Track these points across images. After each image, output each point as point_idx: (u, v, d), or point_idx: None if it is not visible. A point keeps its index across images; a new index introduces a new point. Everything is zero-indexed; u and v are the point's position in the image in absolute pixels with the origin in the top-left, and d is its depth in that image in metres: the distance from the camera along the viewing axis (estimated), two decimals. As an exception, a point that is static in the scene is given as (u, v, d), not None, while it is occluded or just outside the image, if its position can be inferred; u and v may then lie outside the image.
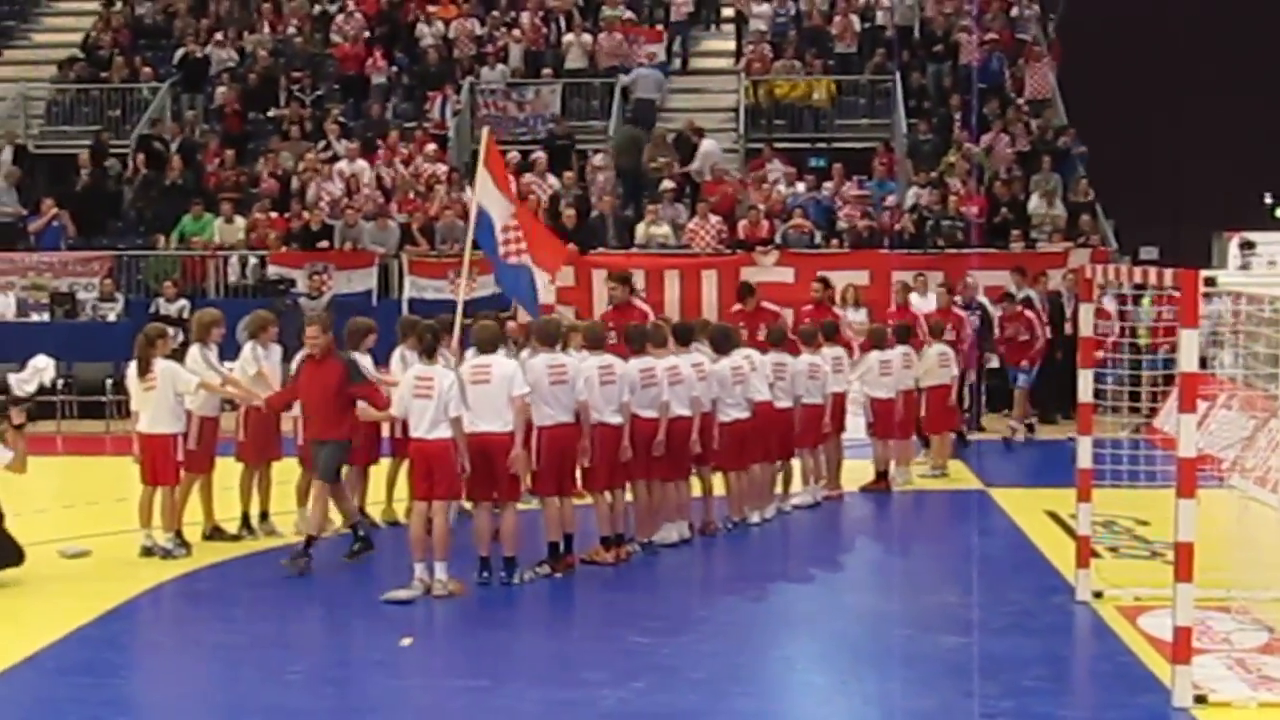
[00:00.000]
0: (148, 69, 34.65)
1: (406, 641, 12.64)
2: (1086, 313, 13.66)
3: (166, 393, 15.27)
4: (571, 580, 14.66)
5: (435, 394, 13.70)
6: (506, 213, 17.50)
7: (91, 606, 13.43)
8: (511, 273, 17.58)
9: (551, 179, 29.92)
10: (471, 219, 17.65)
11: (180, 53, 34.90)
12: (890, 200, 28.97)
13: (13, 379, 16.52)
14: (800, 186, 29.75)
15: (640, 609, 13.80)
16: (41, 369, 15.70)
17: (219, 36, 35.18)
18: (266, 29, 35.47)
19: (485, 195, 17.43)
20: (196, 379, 15.53)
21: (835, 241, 28.29)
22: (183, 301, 27.07)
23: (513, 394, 13.89)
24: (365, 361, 15.74)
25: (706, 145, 30.96)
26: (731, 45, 35.76)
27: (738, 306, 21.41)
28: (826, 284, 22.92)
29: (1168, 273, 11.51)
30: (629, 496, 15.67)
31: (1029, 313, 24.20)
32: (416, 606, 13.52)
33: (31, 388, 14.79)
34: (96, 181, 31.31)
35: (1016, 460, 22.85)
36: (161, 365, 15.39)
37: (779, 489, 18.23)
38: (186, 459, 15.59)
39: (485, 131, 18.39)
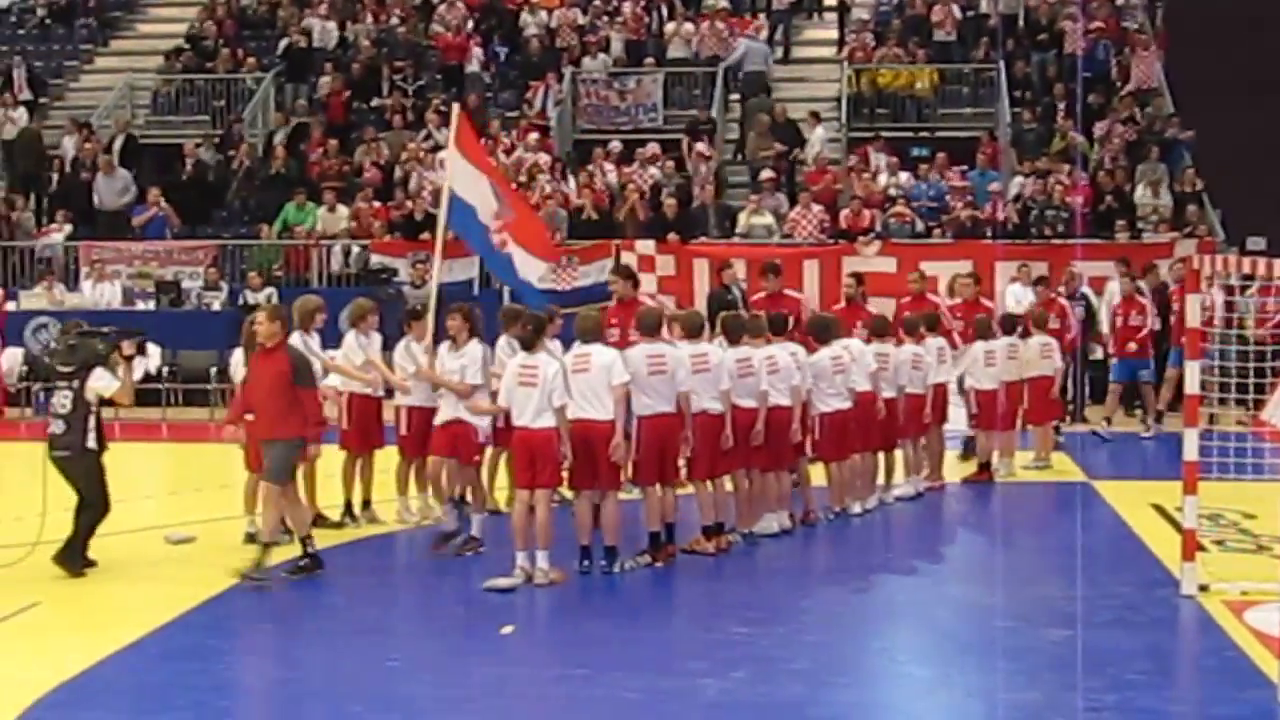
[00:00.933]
0: (252, 59, 34.91)
1: (508, 630, 12.67)
2: (1193, 304, 13.51)
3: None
4: (672, 570, 14.65)
5: (540, 382, 13.72)
6: (490, 196, 16.66)
7: (196, 592, 13.54)
8: (504, 261, 17.03)
9: (653, 169, 29.91)
10: (443, 203, 16.61)
11: (284, 43, 35.13)
12: (993, 189, 28.73)
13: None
14: (903, 176, 29.61)
15: (741, 599, 13.76)
16: (147, 357, 15.83)
17: (323, 13, 35.42)
18: (369, 18, 35.63)
19: (458, 179, 16.50)
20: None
21: (938, 231, 28.15)
22: (269, 290, 27.21)
23: (612, 382, 13.89)
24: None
25: (819, 133, 30.89)
26: (834, 34, 35.63)
27: (761, 290, 20.58)
28: (924, 275, 22.69)
29: (1277, 263, 11.36)
30: (729, 486, 15.65)
31: (1140, 298, 23.97)
32: (518, 595, 13.55)
33: (137, 375, 14.90)
34: (201, 171, 31.57)
35: (1121, 453, 22.64)
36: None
37: (880, 480, 18.15)
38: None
39: (455, 110, 17.21)
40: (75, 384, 14.36)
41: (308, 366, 14.20)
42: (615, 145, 30.92)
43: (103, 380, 14.40)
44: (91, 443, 14.41)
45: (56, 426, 14.40)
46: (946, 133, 32.12)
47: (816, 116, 31.47)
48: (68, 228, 30.29)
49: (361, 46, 34.49)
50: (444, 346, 15.13)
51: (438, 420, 15.22)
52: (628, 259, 27.17)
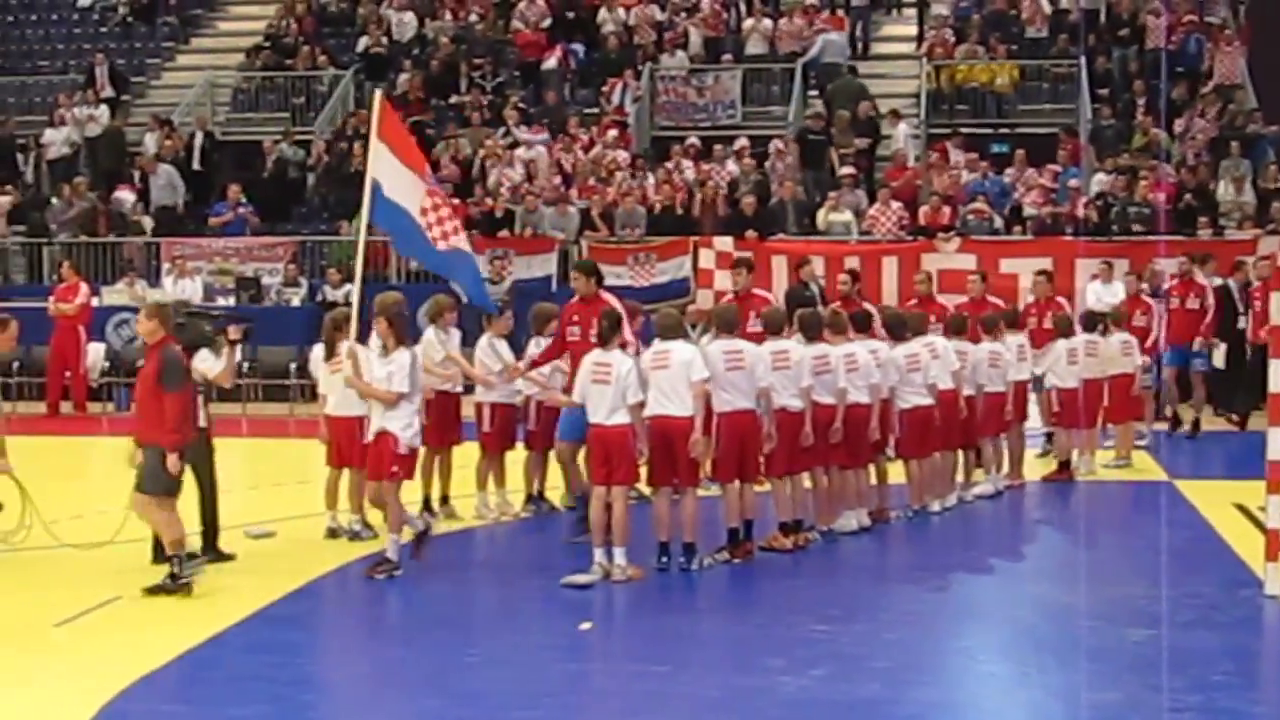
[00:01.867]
0: (323, 56, 35.05)
1: (586, 626, 12.67)
2: (1277, 301, 13.37)
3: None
4: (750, 567, 14.60)
5: (613, 379, 13.72)
6: (419, 191, 15.31)
7: (276, 587, 13.60)
8: (445, 259, 15.59)
9: (730, 165, 29.88)
10: (366, 197, 15.21)
11: (363, 40, 35.27)
12: (1073, 185, 28.53)
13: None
14: (982, 173, 29.45)
15: (819, 597, 13.72)
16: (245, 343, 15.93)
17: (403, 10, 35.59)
18: (448, 15, 35.72)
19: (381, 170, 15.13)
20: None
21: (1018, 228, 27.99)
22: (349, 287, 27.27)
23: (692, 379, 13.86)
24: (453, 340, 16.10)
25: (902, 129, 30.81)
26: (913, 30, 35.48)
27: (732, 289, 18.95)
28: (930, 277, 21.81)
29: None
30: (807, 483, 15.61)
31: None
32: (596, 591, 13.54)
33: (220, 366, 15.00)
34: (280, 168, 31.74)
35: (1203, 451, 22.46)
36: (346, 348, 15.53)
37: (960, 478, 18.07)
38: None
39: (377, 95, 15.94)
40: None
41: (177, 369, 13.36)
42: (693, 141, 30.89)
43: (206, 361, 14.58)
44: (202, 421, 14.55)
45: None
46: (1026, 129, 31.93)
47: (896, 114, 31.35)
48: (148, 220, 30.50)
49: (440, 43, 34.57)
50: (374, 353, 14.35)
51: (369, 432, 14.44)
52: (705, 256, 27.21)
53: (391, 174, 15.12)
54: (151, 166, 31.48)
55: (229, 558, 14.66)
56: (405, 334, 14.27)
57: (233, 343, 14.73)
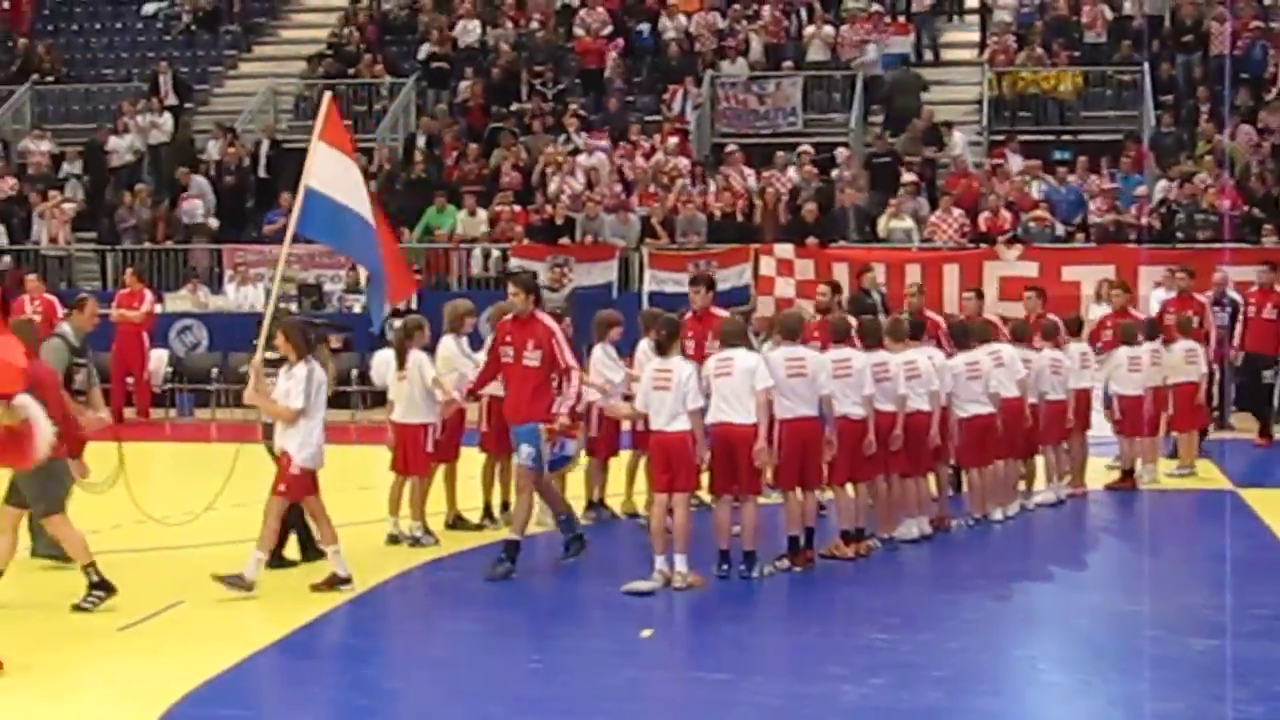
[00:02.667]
0: (385, 64, 35.17)
1: (647, 633, 12.67)
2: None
3: (418, 383, 15.46)
4: (811, 575, 14.58)
5: (674, 386, 13.72)
6: (365, 201, 14.66)
7: (337, 593, 13.64)
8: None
9: (791, 172, 29.84)
10: (297, 203, 14.58)
11: (425, 48, 35.37)
12: (1140, 192, 28.37)
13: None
14: (1045, 180, 29.33)
15: (880, 605, 13.68)
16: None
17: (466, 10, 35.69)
18: (509, 23, 35.79)
19: (324, 172, 14.49)
20: (432, 373, 15.66)
21: (1080, 236, 27.86)
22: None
23: (756, 387, 13.84)
24: (464, 346, 16.08)
25: (958, 137, 30.75)
26: (976, 36, 35.37)
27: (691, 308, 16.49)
28: (923, 289, 21.22)
29: None
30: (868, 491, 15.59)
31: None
32: (656, 598, 13.54)
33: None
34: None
35: (1268, 460, 22.30)
36: (414, 356, 15.61)
37: (1022, 486, 17.99)
38: (435, 448, 15.79)
39: (326, 98, 15.30)
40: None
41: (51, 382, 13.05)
42: (732, 148, 30.80)
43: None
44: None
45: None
46: (1089, 136, 31.80)
47: (950, 125, 31.27)
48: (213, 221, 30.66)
49: (501, 51, 34.65)
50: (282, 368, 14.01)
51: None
52: (766, 263, 27.18)
53: (338, 174, 14.53)
54: (186, 178, 31.64)
55: (323, 555, 14.66)
56: (306, 348, 13.78)
57: (334, 351, 14.78)
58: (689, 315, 15.82)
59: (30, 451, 11.48)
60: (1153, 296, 24.90)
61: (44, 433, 11.51)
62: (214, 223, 31.07)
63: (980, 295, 20.68)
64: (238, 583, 13.37)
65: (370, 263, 15.27)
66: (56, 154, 33.84)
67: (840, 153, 30.29)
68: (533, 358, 14.20)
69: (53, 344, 14.44)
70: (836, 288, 20.33)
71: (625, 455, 16.93)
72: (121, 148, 33.54)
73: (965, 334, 17.12)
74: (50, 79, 36.67)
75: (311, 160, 14.37)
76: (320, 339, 14.92)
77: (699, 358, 14.83)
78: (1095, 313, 23.33)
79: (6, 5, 39.60)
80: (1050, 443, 18.31)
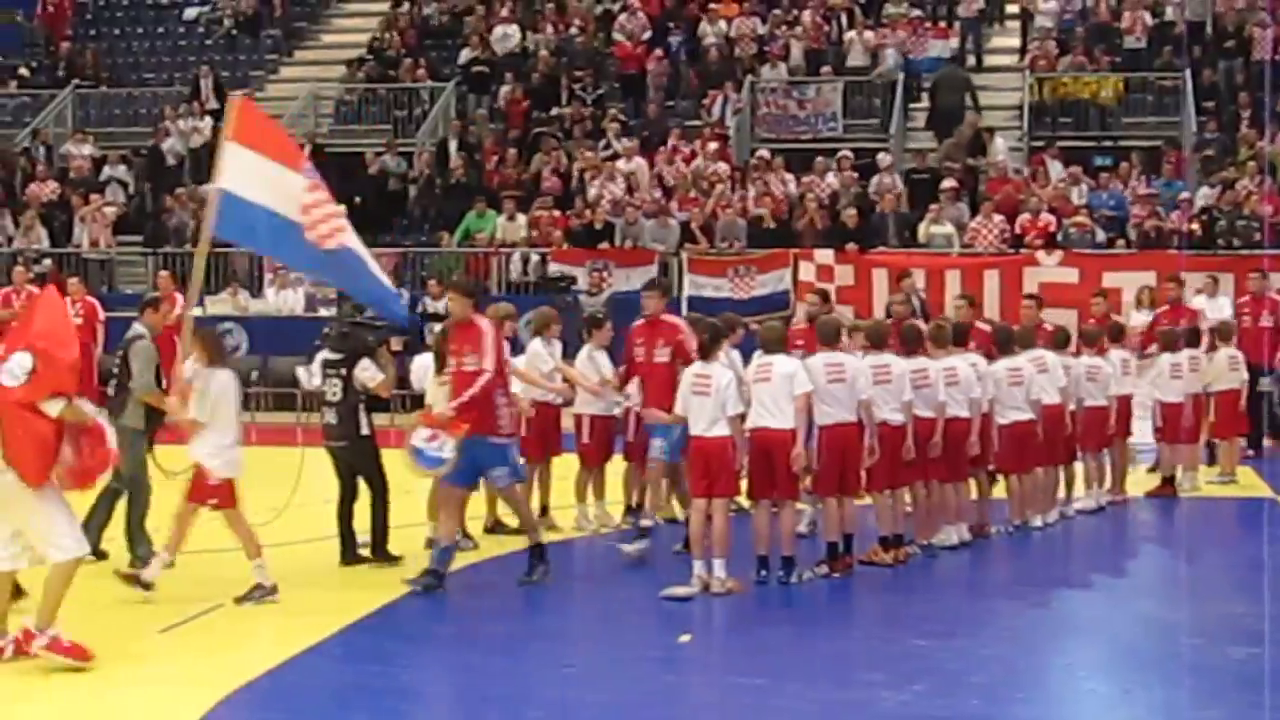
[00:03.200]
0: (426, 69, 35.23)
1: (685, 638, 12.68)
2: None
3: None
4: (850, 581, 14.56)
5: (713, 391, 13.71)
6: (297, 187, 13.80)
7: (377, 596, 13.67)
8: (329, 259, 13.94)
9: (830, 178, 29.80)
10: (210, 207, 13.87)
11: (465, 53, 35.43)
12: (1183, 198, 28.24)
13: (301, 373, 16.96)
14: (1085, 186, 29.23)
15: (919, 611, 13.67)
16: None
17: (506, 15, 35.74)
18: (549, 29, 35.82)
19: (236, 174, 13.66)
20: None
21: (1121, 242, 27.75)
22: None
23: (795, 393, 13.82)
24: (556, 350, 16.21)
25: (999, 143, 30.68)
26: (1016, 42, 35.27)
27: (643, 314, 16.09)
28: (971, 302, 20.04)
29: None
30: (907, 498, 15.55)
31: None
32: (695, 603, 13.53)
33: (319, 381, 15.11)
34: (382, 180, 31.92)
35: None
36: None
37: (1061, 493, 17.94)
38: None
39: (235, 99, 14.64)
40: (343, 372, 14.72)
41: None
42: (763, 154, 30.76)
43: (368, 371, 14.73)
44: (365, 429, 14.80)
45: (330, 417, 14.79)
46: (1130, 142, 31.66)
47: (991, 132, 31.18)
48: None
49: (541, 56, 34.68)
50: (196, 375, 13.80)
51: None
52: (805, 268, 27.16)
53: (253, 175, 13.70)
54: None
55: (397, 559, 14.92)
56: (217, 356, 13.67)
57: (394, 354, 14.87)
58: (639, 321, 15.67)
59: (105, 456, 11.55)
60: (1194, 304, 24.78)
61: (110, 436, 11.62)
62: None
63: (973, 303, 20.02)
64: (134, 582, 13.42)
65: (306, 262, 14.95)
66: (98, 158, 33.97)
67: (883, 159, 30.13)
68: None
69: (143, 345, 14.55)
70: (825, 296, 20.17)
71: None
72: (163, 151, 33.64)
73: (1008, 340, 17.08)
74: (92, 83, 36.83)
75: (221, 161, 13.74)
76: (381, 342, 14.98)
77: (647, 364, 15.05)
78: (1137, 319, 23.25)
79: (47, 9, 39.68)
80: (1090, 449, 18.25)
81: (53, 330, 11.46)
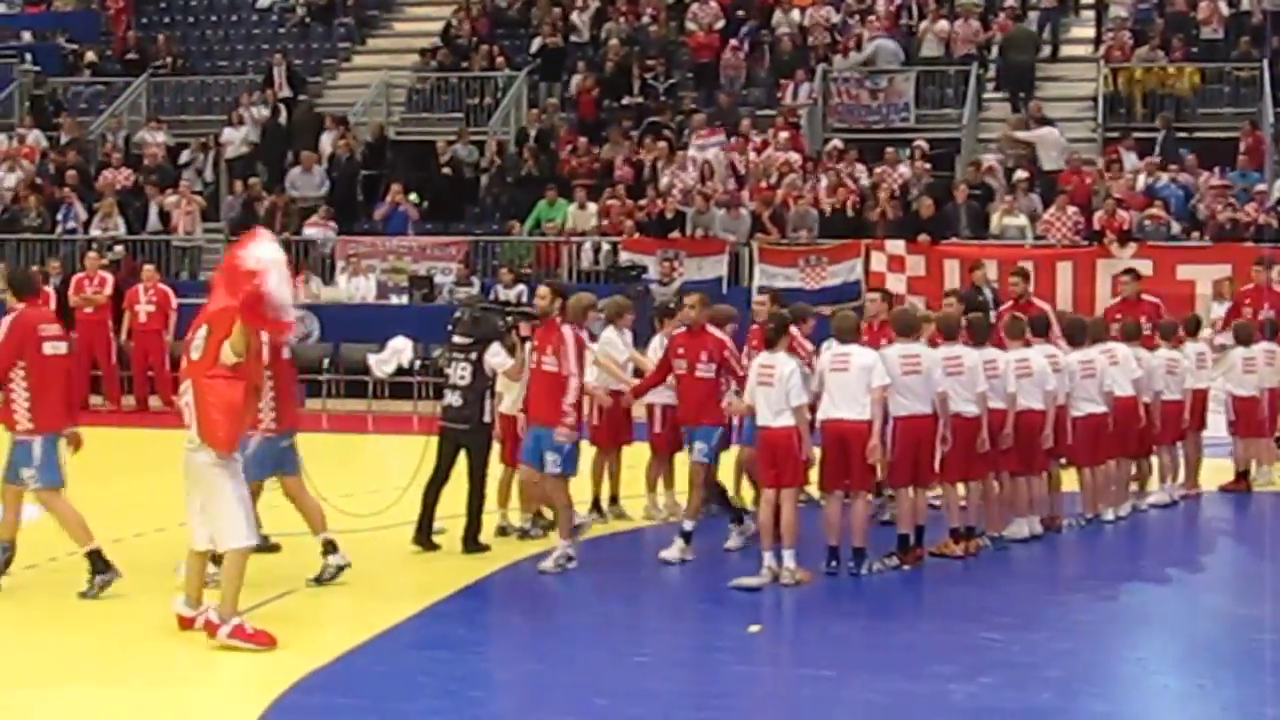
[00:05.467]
0: (499, 57, 35.26)
1: (755, 629, 12.66)
2: None
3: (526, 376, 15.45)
4: (920, 573, 14.50)
5: (777, 381, 13.67)
6: None
7: (446, 583, 13.71)
8: None
9: (903, 168, 29.67)
10: None
11: (538, 42, 35.47)
12: (1259, 189, 27.99)
13: (372, 359, 17.01)
14: (1160, 177, 29.01)
15: (989, 604, 13.59)
16: (400, 350, 16.05)
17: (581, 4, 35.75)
18: (621, 18, 35.79)
19: None
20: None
21: (1196, 234, 27.54)
22: (520, 287, 27.36)
23: (872, 385, 13.78)
24: (626, 338, 16.08)
25: (1042, 132, 30.44)
26: (1091, 32, 35.00)
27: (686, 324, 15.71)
28: (1026, 277, 19.90)
29: None
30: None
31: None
32: (764, 594, 13.50)
33: (390, 368, 15.18)
34: (454, 168, 31.99)
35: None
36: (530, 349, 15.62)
37: (1134, 486, 17.82)
38: None
39: None
40: (473, 356, 14.77)
41: None
42: (836, 144, 30.67)
43: (498, 356, 14.77)
44: (487, 416, 14.85)
45: (454, 399, 14.80)
46: (1206, 133, 31.40)
47: (1045, 120, 30.95)
48: (333, 224, 30.78)
49: (613, 45, 34.65)
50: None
51: None
52: (877, 259, 27.07)
53: None
54: (309, 164, 31.94)
55: (486, 549, 15.02)
56: None
57: (523, 339, 14.93)
58: (681, 330, 15.41)
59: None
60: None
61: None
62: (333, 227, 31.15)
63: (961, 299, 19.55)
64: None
65: None
66: (172, 145, 34.16)
67: (987, 159, 29.94)
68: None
69: None
70: (886, 296, 19.41)
71: (734, 450, 16.85)
72: (236, 139, 33.82)
73: (1080, 332, 16.97)
74: (166, 71, 37.03)
75: None
76: (511, 327, 15.01)
77: (689, 377, 14.92)
78: (1216, 311, 23.06)
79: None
80: (1165, 443, 18.13)
81: (220, 296, 11.66)
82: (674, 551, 14.68)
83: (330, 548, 13.57)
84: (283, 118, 34.28)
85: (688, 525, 14.80)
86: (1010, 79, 32.76)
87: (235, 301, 11.43)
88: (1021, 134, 30.01)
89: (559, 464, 14.29)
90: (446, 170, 31.87)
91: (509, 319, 15.18)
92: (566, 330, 14.32)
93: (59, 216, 31.59)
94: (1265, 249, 25.55)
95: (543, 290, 14.79)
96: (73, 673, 11.14)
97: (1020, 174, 28.94)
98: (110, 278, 27.30)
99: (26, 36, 39.87)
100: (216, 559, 12.11)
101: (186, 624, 11.86)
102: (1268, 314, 21.35)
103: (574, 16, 35.77)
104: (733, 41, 34.28)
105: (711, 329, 14.86)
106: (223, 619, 11.56)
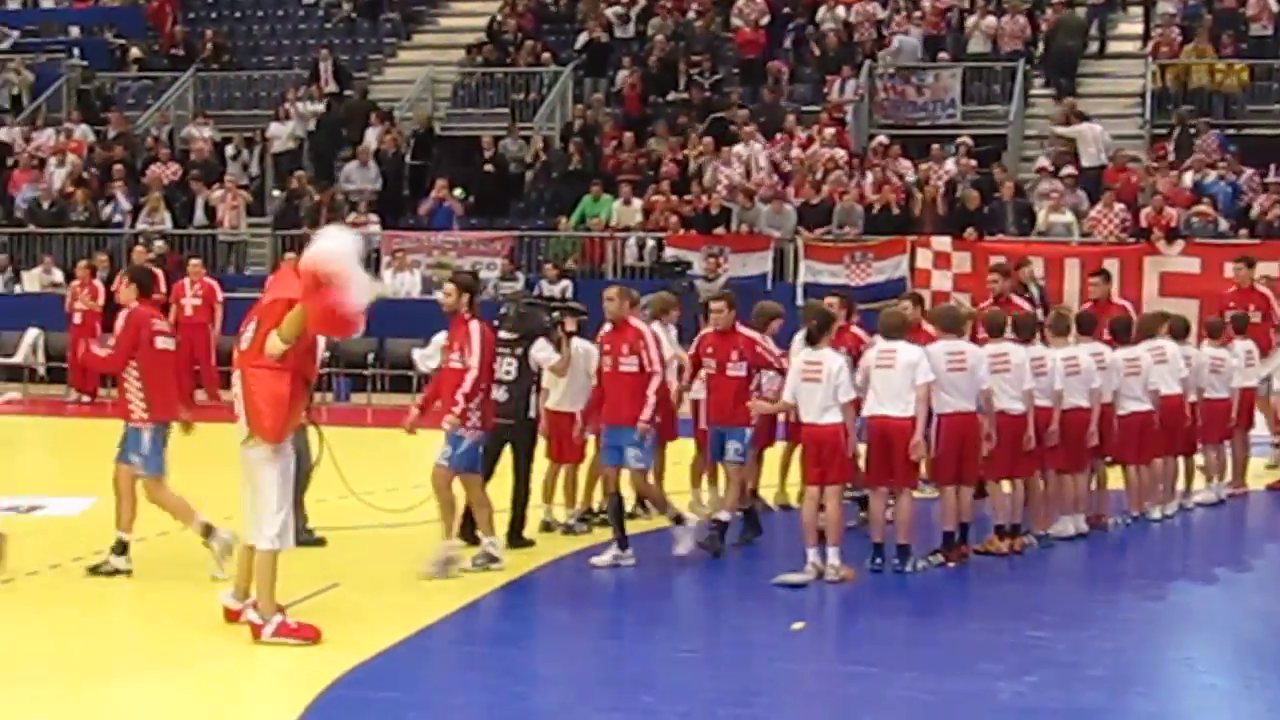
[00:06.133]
0: (545, 53, 35.28)
1: (799, 625, 12.64)
2: None
3: (576, 371, 15.43)
4: (965, 570, 14.46)
5: (824, 378, 13.64)
6: None
7: (492, 578, 13.72)
8: None
9: (949, 164, 29.58)
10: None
11: (583, 37, 35.48)
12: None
13: (417, 354, 17.02)
14: (1209, 174, 28.85)
15: (1035, 602, 13.56)
16: (445, 345, 16.00)
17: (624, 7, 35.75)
18: (667, 14, 35.74)
19: None
20: (595, 363, 15.65)
21: (1245, 231, 27.39)
22: (565, 282, 27.38)
23: (917, 381, 13.74)
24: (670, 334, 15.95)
25: (1082, 127, 30.29)
26: (1139, 29, 34.84)
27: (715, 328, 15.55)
28: (919, 300, 18.52)
29: None
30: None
31: None
32: (808, 591, 13.48)
33: (435, 363, 15.14)
34: (500, 163, 32.04)
35: None
36: (578, 344, 15.62)
37: (1181, 485, 17.73)
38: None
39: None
40: (519, 351, 14.78)
41: None
42: (881, 140, 30.60)
43: (544, 351, 14.76)
44: (533, 412, 14.89)
45: (500, 394, 14.70)
46: (1255, 130, 31.22)
47: (1082, 116, 30.81)
48: (374, 219, 30.81)
49: (658, 41, 34.63)
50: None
51: None
52: (923, 255, 27.00)
53: None
54: (365, 157, 31.99)
55: (531, 544, 15.02)
56: None
57: (569, 334, 14.95)
58: (709, 331, 15.34)
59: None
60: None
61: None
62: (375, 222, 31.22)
63: (918, 300, 18.05)
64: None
65: None
66: (218, 140, 34.27)
67: (1042, 161, 29.84)
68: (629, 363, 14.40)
69: None
70: (918, 300, 19.28)
71: (780, 446, 16.86)
72: (283, 134, 33.92)
73: (1127, 329, 16.91)
74: (214, 66, 37.16)
75: None
76: (558, 322, 15.03)
77: (719, 376, 14.90)
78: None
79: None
80: (1211, 441, 18.04)
81: (278, 289, 11.90)
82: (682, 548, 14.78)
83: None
84: (335, 111, 34.37)
85: (724, 516, 14.92)
86: (1054, 66, 32.70)
87: (292, 295, 11.53)
88: (1062, 129, 29.92)
89: (641, 459, 14.44)
90: (490, 166, 31.91)
91: (555, 314, 15.18)
92: (643, 327, 14.52)
93: (105, 211, 31.76)
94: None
95: (611, 293, 14.82)
96: (119, 664, 11.21)
97: (1067, 170, 28.80)
98: (160, 274, 27.40)
99: (74, 31, 40.07)
100: None
101: (233, 616, 11.93)
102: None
103: (618, 11, 35.69)
104: (777, 35, 34.18)
105: (741, 328, 14.84)
106: (264, 619, 11.62)
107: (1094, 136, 30.15)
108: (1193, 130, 29.88)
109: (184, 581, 13.19)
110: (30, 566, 13.53)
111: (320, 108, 34.43)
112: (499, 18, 37.17)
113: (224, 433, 12.27)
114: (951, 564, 14.42)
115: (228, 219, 31.43)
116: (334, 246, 11.50)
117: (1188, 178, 28.63)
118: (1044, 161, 29.35)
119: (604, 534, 15.07)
